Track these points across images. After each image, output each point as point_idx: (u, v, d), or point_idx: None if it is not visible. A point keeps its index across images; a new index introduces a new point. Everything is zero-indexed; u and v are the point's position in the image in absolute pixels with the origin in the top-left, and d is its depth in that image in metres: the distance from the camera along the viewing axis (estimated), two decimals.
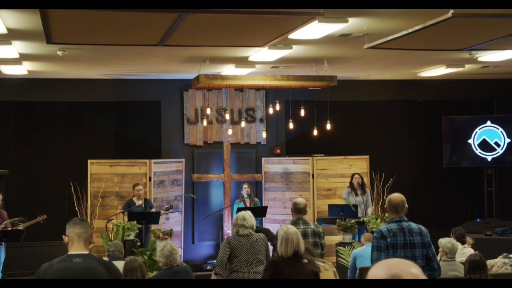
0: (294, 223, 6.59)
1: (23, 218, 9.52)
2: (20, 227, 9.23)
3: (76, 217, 4.37)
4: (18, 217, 9.55)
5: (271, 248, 7.00)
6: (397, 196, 5.29)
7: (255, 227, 6.51)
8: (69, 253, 4.19)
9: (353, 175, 10.93)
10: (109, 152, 11.93)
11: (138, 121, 12.38)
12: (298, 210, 6.71)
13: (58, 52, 8.43)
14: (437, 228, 8.95)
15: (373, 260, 5.13)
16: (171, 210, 10.71)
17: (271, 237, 9.04)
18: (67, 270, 4.07)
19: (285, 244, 5.38)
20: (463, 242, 8.12)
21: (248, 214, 6.46)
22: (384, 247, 5.09)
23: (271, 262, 5.51)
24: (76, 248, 4.19)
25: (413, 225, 5.22)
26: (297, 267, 5.36)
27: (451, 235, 8.12)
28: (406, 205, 5.26)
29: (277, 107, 11.28)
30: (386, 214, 9.63)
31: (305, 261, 5.44)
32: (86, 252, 4.20)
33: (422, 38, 7.28)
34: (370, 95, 13.13)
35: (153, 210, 10.24)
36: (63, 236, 4.27)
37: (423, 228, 5.27)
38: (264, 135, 12.26)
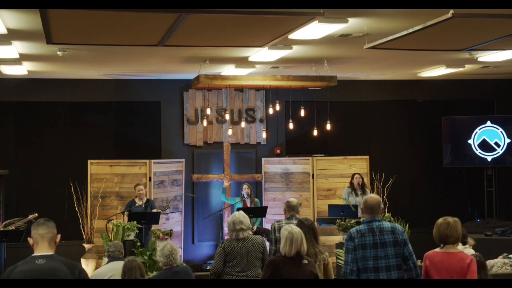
0: (288, 219, 6.90)
1: (22, 218, 9.49)
2: (12, 227, 9.20)
3: (42, 218, 4.34)
4: (18, 217, 9.54)
5: (267, 245, 7.02)
6: (373, 197, 5.43)
7: (251, 226, 6.56)
8: (33, 254, 4.19)
9: (353, 175, 10.92)
10: (109, 152, 11.93)
11: (138, 121, 12.38)
12: (291, 208, 7.04)
13: (58, 52, 8.43)
14: None
15: (344, 262, 5.27)
16: (167, 210, 10.70)
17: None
18: (30, 272, 4.08)
19: (289, 243, 5.41)
20: (464, 243, 8.10)
21: (242, 215, 6.46)
22: (352, 249, 5.20)
23: (271, 261, 5.52)
24: (40, 249, 4.19)
25: (386, 224, 5.29)
26: (297, 267, 5.37)
27: None
28: (382, 206, 5.38)
29: (277, 107, 11.28)
30: (387, 214, 9.64)
31: (305, 261, 5.44)
32: (50, 253, 4.19)
33: (422, 38, 7.28)
34: (370, 95, 13.14)
35: (154, 211, 10.23)
36: (28, 238, 4.27)
37: (398, 226, 5.34)
38: (264, 135, 12.27)
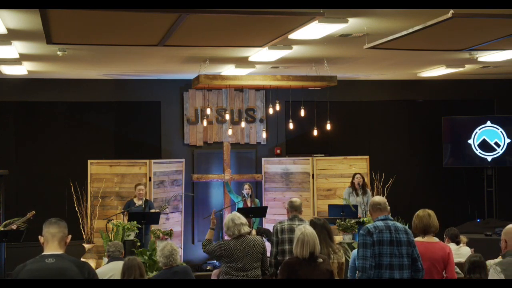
0: (291, 220, 6.88)
1: (20, 218, 9.49)
2: (13, 226, 9.22)
3: (53, 217, 4.33)
4: (17, 217, 9.53)
5: (268, 246, 7.02)
6: (379, 197, 5.59)
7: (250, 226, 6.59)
8: (43, 253, 4.18)
9: (354, 175, 10.91)
10: (109, 152, 11.92)
11: (138, 121, 12.37)
12: (294, 208, 6.97)
13: (58, 52, 8.43)
14: None
15: (359, 257, 5.23)
16: (166, 210, 10.69)
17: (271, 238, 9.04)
18: (39, 270, 4.07)
19: (301, 245, 5.41)
20: (457, 243, 8.12)
21: (238, 213, 6.50)
22: (370, 244, 5.18)
23: (287, 264, 5.52)
24: (50, 248, 4.19)
25: (398, 224, 5.37)
26: (312, 267, 5.38)
27: (444, 236, 8.11)
28: (389, 207, 5.48)
29: (277, 107, 11.28)
30: None
31: (320, 260, 5.46)
32: (60, 252, 4.18)
33: (422, 38, 7.28)
34: (370, 95, 13.14)
35: (153, 210, 10.23)
36: (39, 237, 4.25)
37: (407, 228, 5.42)
38: (264, 135, 12.27)
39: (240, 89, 12.48)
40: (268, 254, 6.86)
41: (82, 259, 10.05)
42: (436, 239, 5.63)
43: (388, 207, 5.45)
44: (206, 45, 8.10)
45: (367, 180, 11.33)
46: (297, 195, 11.50)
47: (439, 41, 7.76)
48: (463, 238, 8.32)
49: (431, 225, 5.57)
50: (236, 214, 6.44)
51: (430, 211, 5.67)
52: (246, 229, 6.31)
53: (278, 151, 12.74)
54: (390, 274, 5.13)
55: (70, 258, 4.19)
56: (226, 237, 7.24)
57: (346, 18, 6.77)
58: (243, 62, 9.90)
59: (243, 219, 6.38)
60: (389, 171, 11.64)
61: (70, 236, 4.29)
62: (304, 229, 5.50)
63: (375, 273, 5.12)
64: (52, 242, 4.18)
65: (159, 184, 11.26)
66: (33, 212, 9.45)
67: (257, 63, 10.01)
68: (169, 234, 10.49)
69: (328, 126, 11.23)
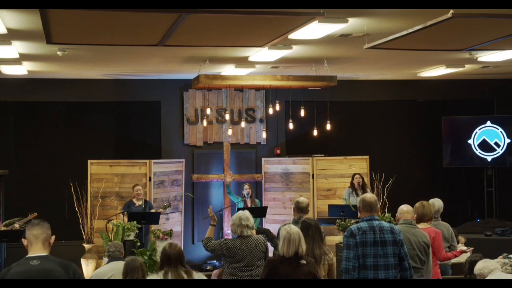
0: (295, 222, 6.67)
1: (22, 218, 9.50)
2: (16, 225, 9.23)
3: (37, 219, 4.34)
4: (17, 217, 9.54)
5: (271, 248, 6.99)
6: (370, 195, 5.56)
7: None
8: (27, 255, 4.19)
9: (353, 175, 10.92)
10: (109, 152, 11.93)
11: (138, 121, 12.38)
12: (300, 209, 6.83)
13: (58, 52, 8.43)
14: None
15: (343, 259, 5.26)
16: (168, 209, 10.69)
17: (271, 237, 9.03)
18: (24, 273, 4.08)
19: (287, 244, 5.37)
20: (457, 242, 8.14)
21: (248, 214, 6.44)
22: (353, 245, 5.20)
23: (269, 261, 5.51)
24: (34, 250, 4.19)
25: (385, 223, 5.34)
26: (294, 267, 5.34)
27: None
28: (378, 205, 5.54)
29: (277, 107, 11.28)
30: (387, 215, 9.64)
31: (304, 262, 5.41)
32: (44, 253, 4.19)
33: (422, 38, 7.28)
34: (370, 95, 13.14)
35: (153, 210, 10.23)
36: (22, 239, 4.26)
37: (395, 227, 5.42)
38: (264, 135, 12.27)
39: (240, 89, 12.48)
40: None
41: (82, 259, 10.12)
42: (428, 225, 6.54)
43: (378, 206, 5.47)
44: (206, 45, 8.09)
45: (367, 180, 11.33)
46: (297, 195, 11.47)
47: (439, 41, 7.76)
48: (461, 238, 8.36)
49: (424, 213, 6.54)
50: (246, 214, 6.36)
51: (426, 202, 6.67)
52: (249, 232, 6.29)
53: (278, 151, 12.74)
54: (375, 274, 5.15)
55: (55, 259, 4.19)
56: (226, 236, 7.23)
57: (346, 18, 6.78)
58: (243, 62, 9.90)
59: (251, 222, 6.31)
60: (389, 171, 11.64)
61: (54, 237, 4.28)
62: (289, 228, 5.44)
63: (360, 274, 5.14)
64: (36, 244, 4.19)
65: (159, 184, 11.26)
66: (35, 213, 9.46)
67: (257, 63, 10.01)
68: (169, 234, 10.48)
69: (328, 126, 11.23)
